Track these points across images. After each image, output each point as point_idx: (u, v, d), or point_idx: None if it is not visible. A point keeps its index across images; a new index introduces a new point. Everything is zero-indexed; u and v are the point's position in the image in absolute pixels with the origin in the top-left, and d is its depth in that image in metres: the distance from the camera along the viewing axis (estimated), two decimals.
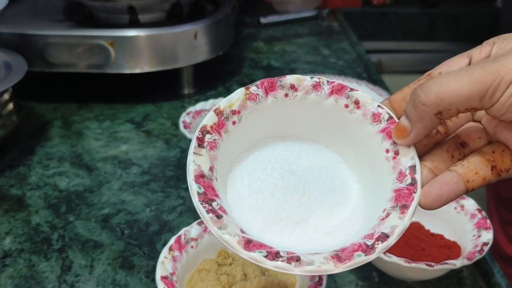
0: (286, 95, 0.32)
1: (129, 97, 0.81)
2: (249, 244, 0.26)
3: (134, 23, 0.78)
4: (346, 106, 0.32)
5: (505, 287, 0.46)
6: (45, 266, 0.48)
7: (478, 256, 0.42)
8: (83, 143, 0.69)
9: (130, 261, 0.48)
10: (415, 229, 0.49)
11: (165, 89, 0.84)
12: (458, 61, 0.30)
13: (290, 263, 0.25)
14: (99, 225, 0.53)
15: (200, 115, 0.65)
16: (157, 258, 0.40)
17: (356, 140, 0.32)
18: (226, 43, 0.84)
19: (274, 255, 0.26)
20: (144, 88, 0.85)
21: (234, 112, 0.31)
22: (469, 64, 0.29)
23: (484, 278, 0.47)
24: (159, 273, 0.39)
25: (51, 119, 0.75)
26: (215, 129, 0.30)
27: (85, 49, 0.73)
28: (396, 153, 0.29)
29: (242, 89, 0.31)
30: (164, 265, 0.39)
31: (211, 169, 0.29)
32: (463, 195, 0.48)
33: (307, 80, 0.32)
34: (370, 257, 0.26)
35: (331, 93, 0.32)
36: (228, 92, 0.84)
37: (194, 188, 0.27)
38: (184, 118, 0.62)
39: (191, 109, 0.65)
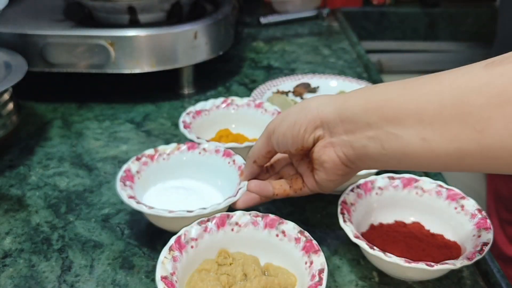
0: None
1: (129, 97, 0.81)
2: None
3: (134, 23, 0.78)
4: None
5: (505, 287, 0.46)
6: (45, 266, 0.48)
7: (478, 256, 0.42)
8: (83, 143, 0.69)
9: (130, 261, 0.48)
10: (415, 229, 0.49)
11: (165, 89, 0.84)
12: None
13: None
14: (99, 225, 0.53)
15: (200, 115, 0.65)
16: (157, 258, 0.40)
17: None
18: (226, 43, 0.84)
19: None
20: (144, 88, 0.85)
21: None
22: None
23: (484, 278, 0.47)
24: (159, 273, 0.39)
25: (51, 119, 0.75)
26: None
27: (85, 49, 0.73)
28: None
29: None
30: (164, 265, 0.39)
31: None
32: (464, 196, 0.48)
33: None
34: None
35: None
36: (228, 92, 0.84)
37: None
38: (184, 118, 0.62)
39: (191, 109, 0.64)
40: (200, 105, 0.65)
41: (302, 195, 0.48)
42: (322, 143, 0.42)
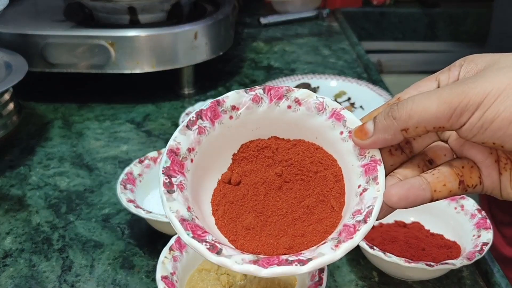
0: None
1: (129, 97, 0.81)
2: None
3: (135, 23, 0.78)
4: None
5: (505, 287, 0.46)
6: (46, 266, 0.48)
7: (478, 256, 0.42)
8: (83, 143, 0.69)
9: (131, 261, 0.49)
10: (415, 229, 0.49)
11: (165, 89, 0.84)
12: (427, 84, 0.31)
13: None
14: (99, 225, 0.53)
15: None
16: (157, 258, 0.40)
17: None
18: (226, 43, 0.84)
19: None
20: (144, 88, 0.85)
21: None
22: (438, 87, 0.30)
23: (484, 278, 0.47)
24: (159, 273, 0.39)
25: (51, 119, 0.75)
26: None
27: (85, 49, 0.73)
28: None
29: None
30: (164, 265, 0.40)
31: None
32: (463, 195, 0.48)
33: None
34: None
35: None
36: (228, 92, 0.84)
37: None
38: (184, 118, 0.62)
39: (190, 109, 0.65)
40: (199, 105, 0.66)
41: (472, 193, 0.31)
42: None
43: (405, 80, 0.63)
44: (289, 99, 0.33)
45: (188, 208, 0.29)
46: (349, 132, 0.31)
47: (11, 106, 0.65)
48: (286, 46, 1.05)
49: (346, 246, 0.27)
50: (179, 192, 0.29)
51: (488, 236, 0.45)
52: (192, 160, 0.31)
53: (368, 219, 0.28)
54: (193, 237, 0.27)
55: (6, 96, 0.65)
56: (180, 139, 0.31)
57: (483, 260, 0.48)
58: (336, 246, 0.27)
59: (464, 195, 0.49)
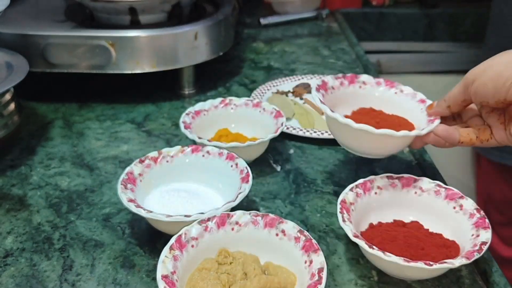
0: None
1: (129, 97, 0.82)
2: None
3: (135, 24, 0.78)
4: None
5: (504, 286, 0.46)
6: (46, 265, 0.48)
7: (477, 255, 0.42)
8: (84, 143, 0.69)
9: (131, 260, 0.49)
10: (414, 228, 0.49)
11: (166, 89, 0.84)
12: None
13: None
14: (100, 225, 0.54)
15: (199, 115, 0.65)
16: (158, 257, 0.40)
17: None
18: (226, 44, 0.85)
19: None
20: (144, 88, 0.85)
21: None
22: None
23: (483, 277, 0.48)
24: (159, 272, 0.39)
25: (52, 119, 0.75)
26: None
27: (86, 49, 0.73)
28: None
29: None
30: (164, 264, 0.40)
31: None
32: (462, 195, 0.49)
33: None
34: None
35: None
36: (228, 92, 0.84)
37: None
38: (184, 118, 0.63)
39: (190, 109, 0.65)
40: (199, 106, 0.66)
41: (488, 146, 0.49)
42: None
43: (404, 80, 0.63)
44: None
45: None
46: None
47: (12, 106, 0.65)
48: (285, 47, 1.06)
49: None
50: None
51: (487, 235, 0.45)
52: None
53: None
54: None
55: (7, 96, 0.65)
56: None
57: (482, 259, 0.48)
58: None
59: (463, 195, 0.50)
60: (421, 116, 0.53)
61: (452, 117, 0.51)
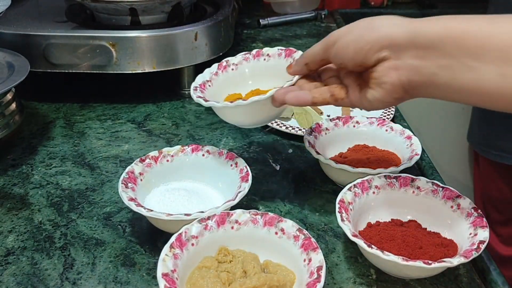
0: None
1: (130, 97, 0.82)
2: None
3: (135, 24, 0.79)
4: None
5: (501, 285, 0.46)
6: (48, 263, 0.48)
7: (474, 254, 0.43)
8: (85, 142, 0.69)
9: (132, 259, 0.49)
10: (412, 227, 0.50)
11: (166, 89, 0.84)
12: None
13: None
14: (101, 223, 0.54)
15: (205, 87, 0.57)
16: (158, 255, 0.41)
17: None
18: (226, 44, 0.85)
19: None
20: (145, 88, 0.85)
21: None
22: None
23: (481, 275, 0.48)
24: (160, 270, 0.39)
25: (53, 119, 0.76)
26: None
27: (87, 49, 0.74)
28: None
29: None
30: (165, 262, 0.40)
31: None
32: (460, 195, 0.49)
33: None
34: None
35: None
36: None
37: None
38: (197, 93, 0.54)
39: (195, 84, 0.56)
40: (200, 78, 0.57)
41: (341, 106, 0.48)
42: (387, 65, 0.41)
43: None
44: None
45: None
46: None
47: (13, 106, 0.66)
48: (285, 47, 1.06)
49: None
50: None
51: (484, 234, 0.45)
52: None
53: None
54: None
55: (9, 96, 0.65)
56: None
57: (480, 258, 0.49)
58: None
59: (461, 195, 0.50)
60: (406, 151, 0.60)
61: (312, 76, 0.50)
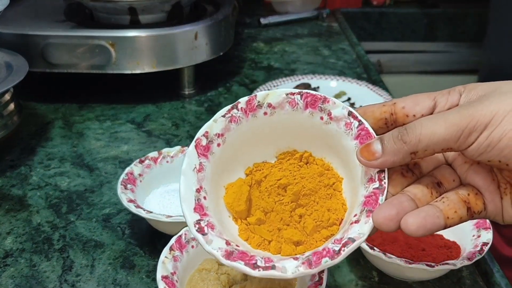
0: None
1: (129, 97, 0.82)
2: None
3: (135, 24, 0.78)
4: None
5: (505, 287, 0.46)
6: (46, 266, 0.48)
7: (478, 256, 0.42)
8: (84, 143, 0.69)
9: (131, 261, 0.49)
10: None
11: (166, 89, 0.84)
12: (425, 101, 0.32)
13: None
14: (100, 225, 0.53)
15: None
16: (158, 258, 0.40)
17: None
18: (226, 44, 0.84)
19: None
20: (144, 88, 0.85)
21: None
22: (434, 107, 0.31)
23: (484, 277, 0.48)
24: (159, 272, 0.39)
25: (52, 120, 0.75)
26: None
27: (86, 49, 0.73)
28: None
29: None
30: (164, 264, 0.40)
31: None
32: None
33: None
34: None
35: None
36: (228, 92, 0.84)
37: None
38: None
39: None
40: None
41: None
42: None
43: (405, 80, 0.63)
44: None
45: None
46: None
47: (11, 106, 0.65)
48: (286, 47, 1.06)
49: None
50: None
51: (488, 236, 0.45)
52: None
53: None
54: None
55: (7, 96, 0.65)
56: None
57: (483, 260, 0.48)
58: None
59: None
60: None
61: (405, 168, 0.32)
